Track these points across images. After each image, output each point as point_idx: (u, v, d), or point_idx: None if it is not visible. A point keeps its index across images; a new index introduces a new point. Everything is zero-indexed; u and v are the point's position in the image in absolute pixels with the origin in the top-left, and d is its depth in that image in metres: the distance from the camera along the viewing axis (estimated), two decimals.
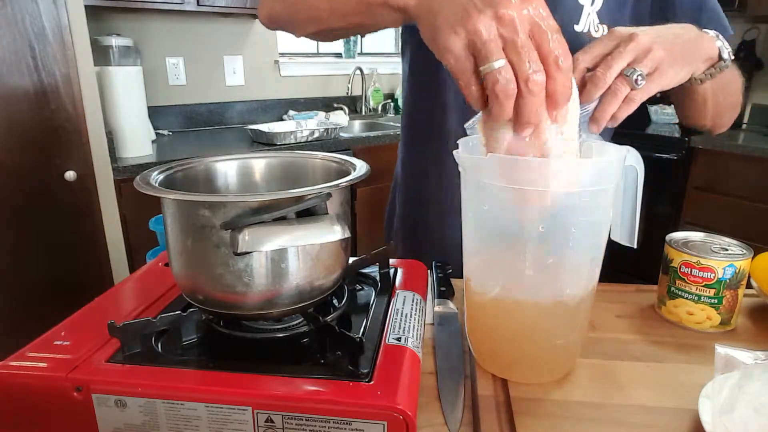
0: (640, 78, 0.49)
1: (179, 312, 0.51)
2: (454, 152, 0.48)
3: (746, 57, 2.52)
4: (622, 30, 0.52)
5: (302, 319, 0.53)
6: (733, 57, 0.60)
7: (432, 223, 0.89)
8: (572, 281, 0.47)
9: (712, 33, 0.59)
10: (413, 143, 0.90)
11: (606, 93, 0.50)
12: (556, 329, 0.49)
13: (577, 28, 0.74)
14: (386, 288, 0.61)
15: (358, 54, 2.93)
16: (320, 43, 2.85)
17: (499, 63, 0.38)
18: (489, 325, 0.52)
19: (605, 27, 0.75)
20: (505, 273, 0.49)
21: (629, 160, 0.47)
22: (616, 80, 0.50)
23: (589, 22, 0.74)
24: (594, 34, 0.75)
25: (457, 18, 0.39)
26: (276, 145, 2.02)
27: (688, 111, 0.73)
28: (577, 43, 0.75)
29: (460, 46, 0.39)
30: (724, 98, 0.71)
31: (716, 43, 0.58)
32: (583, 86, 0.51)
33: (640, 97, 0.51)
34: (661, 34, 0.53)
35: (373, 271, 0.65)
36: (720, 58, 0.59)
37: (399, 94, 2.96)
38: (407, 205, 0.94)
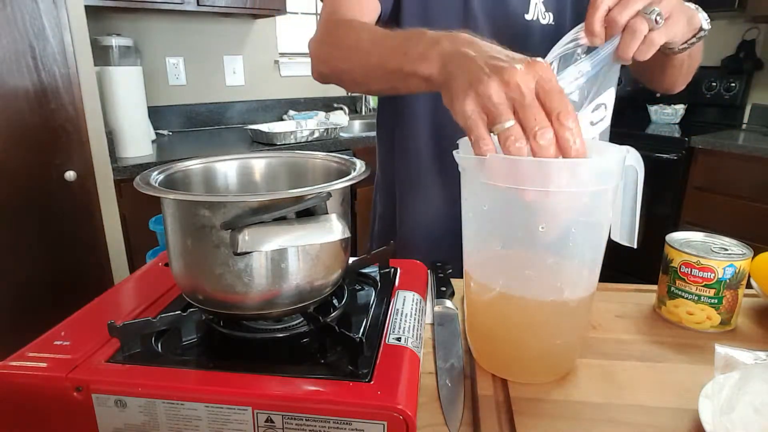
0: (659, 17, 0.51)
1: (179, 312, 0.51)
2: (454, 152, 0.48)
3: (746, 57, 2.52)
4: None
5: (302, 319, 0.53)
6: (709, 27, 0.63)
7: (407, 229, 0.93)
8: (572, 281, 0.47)
9: (692, 5, 0.62)
10: (388, 153, 0.94)
11: (625, 31, 0.51)
12: (555, 329, 0.49)
13: (527, 17, 0.79)
14: (386, 288, 0.61)
15: None
16: None
17: (509, 123, 0.41)
18: (488, 324, 0.52)
19: (550, 15, 0.80)
20: (504, 273, 0.49)
21: (629, 160, 0.47)
22: (635, 18, 0.51)
23: (537, 11, 0.79)
24: (542, 21, 0.80)
25: (470, 83, 0.43)
26: (276, 145, 2.02)
27: (662, 77, 0.76)
28: (528, 31, 0.79)
29: (471, 107, 0.43)
30: (695, 61, 0.75)
31: (699, 15, 0.62)
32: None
33: (659, 39, 0.52)
34: None
35: (373, 271, 0.65)
36: (700, 28, 0.62)
37: None
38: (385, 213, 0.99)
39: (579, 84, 0.52)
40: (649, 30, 0.52)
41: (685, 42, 0.62)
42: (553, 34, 0.79)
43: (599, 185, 0.44)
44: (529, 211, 0.45)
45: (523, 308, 0.48)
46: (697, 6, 0.62)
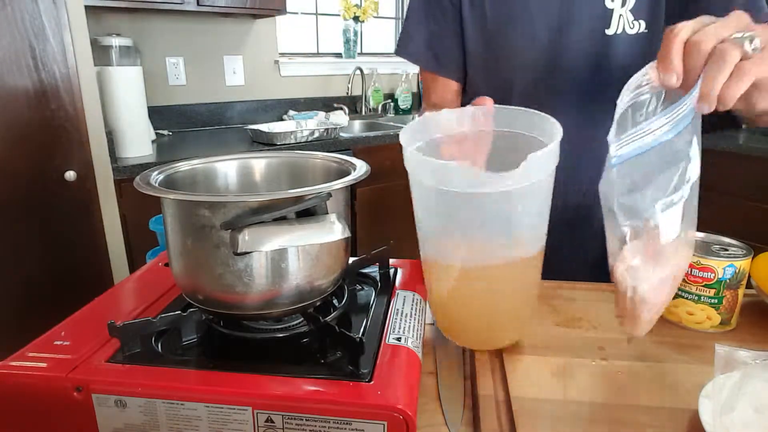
0: (753, 41, 0.39)
1: (179, 312, 0.51)
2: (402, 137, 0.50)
3: None
4: (707, 16, 0.44)
5: (302, 319, 0.53)
6: None
7: None
8: (519, 248, 0.50)
9: None
10: None
11: (711, 59, 0.40)
12: (506, 290, 0.52)
13: (608, 32, 0.75)
14: (386, 288, 0.61)
15: (358, 54, 2.92)
16: (320, 43, 2.85)
17: None
18: (448, 295, 0.54)
19: (641, 23, 0.75)
20: (448, 247, 0.52)
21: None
22: (722, 43, 0.40)
23: (622, 23, 0.75)
24: (629, 31, 0.75)
25: None
26: (276, 145, 2.02)
27: None
28: (609, 46, 0.76)
29: None
30: None
31: None
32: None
33: (754, 71, 0.39)
34: None
35: (373, 271, 0.65)
36: None
37: (399, 94, 2.96)
38: None
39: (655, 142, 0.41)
40: (741, 59, 0.40)
41: None
42: (646, 42, 0.77)
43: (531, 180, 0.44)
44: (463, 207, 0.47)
45: (477, 275, 0.51)
46: None
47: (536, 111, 0.51)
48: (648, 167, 0.42)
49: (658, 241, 0.43)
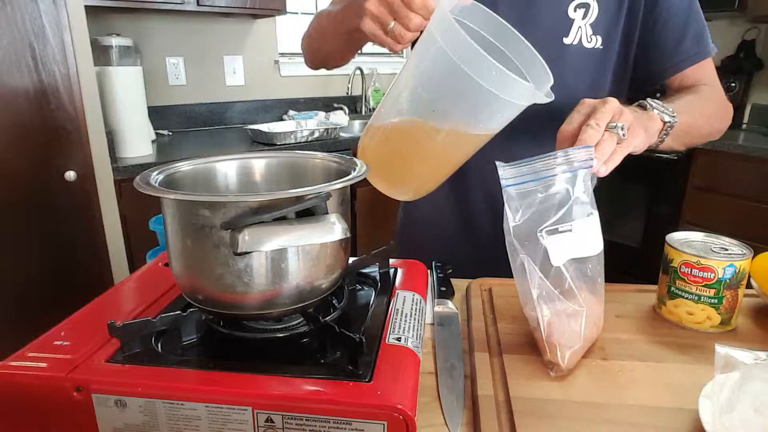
0: (623, 131, 0.54)
1: (179, 312, 0.51)
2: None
3: (746, 57, 2.52)
4: (591, 100, 0.57)
5: (302, 319, 0.53)
6: (675, 116, 0.64)
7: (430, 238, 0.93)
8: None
9: (648, 105, 0.64)
10: None
11: (599, 144, 0.53)
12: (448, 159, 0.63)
13: (566, 40, 0.77)
14: (386, 288, 0.61)
15: (358, 54, 2.92)
16: None
17: (390, 24, 0.59)
18: (385, 147, 0.62)
19: (599, 38, 0.77)
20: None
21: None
22: (606, 132, 0.54)
23: (580, 35, 0.77)
24: (586, 45, 0.77)
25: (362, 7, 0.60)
26: (276, 145, 2.02)
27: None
28: (566, 55, 0.78)
29: (366, 24, 0.60)
30: (692, 135, 0.75)
31: (656, 113, 0.63)
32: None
33: (622, 152, 0.54)
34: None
35: (373, 271, 0.65)
36: (663, 121, 0.63)
37: None
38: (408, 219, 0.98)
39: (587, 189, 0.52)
40: (618, 142, 0.54)
41: (659, 141, 0.65)
42: (601, 58, 0.78)
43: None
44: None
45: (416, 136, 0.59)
46: (652, 104, 0.63)
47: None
48: (536, 202, 0.50)
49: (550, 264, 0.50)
